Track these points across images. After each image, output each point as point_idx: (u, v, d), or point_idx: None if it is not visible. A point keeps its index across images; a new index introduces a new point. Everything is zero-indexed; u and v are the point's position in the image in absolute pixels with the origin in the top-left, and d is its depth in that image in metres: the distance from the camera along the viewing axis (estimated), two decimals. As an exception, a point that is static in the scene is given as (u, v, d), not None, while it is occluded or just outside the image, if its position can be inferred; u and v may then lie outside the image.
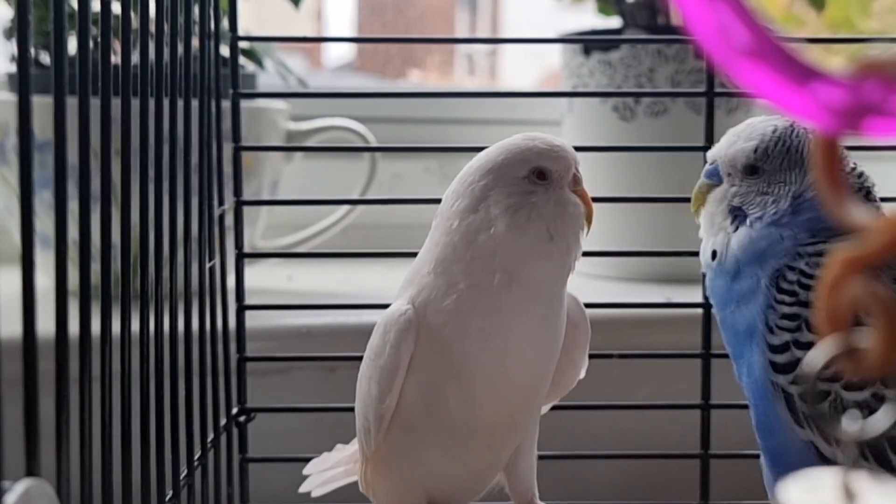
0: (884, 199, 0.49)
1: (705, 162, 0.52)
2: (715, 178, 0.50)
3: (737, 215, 0.49)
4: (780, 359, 0.45)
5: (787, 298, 0.46)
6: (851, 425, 0.23)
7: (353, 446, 0.55)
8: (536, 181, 0.45)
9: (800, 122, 0.48)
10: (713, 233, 0.50)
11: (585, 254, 0.47)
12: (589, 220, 0.47)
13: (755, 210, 0.49)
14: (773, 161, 0.48)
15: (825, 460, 0.44)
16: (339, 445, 0.58)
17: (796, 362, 0.45)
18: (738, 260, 0.48)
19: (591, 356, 0.51)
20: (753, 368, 0.47)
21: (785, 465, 0.46)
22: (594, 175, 0.49)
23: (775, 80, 0.20)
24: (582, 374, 0.51)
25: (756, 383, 0.47)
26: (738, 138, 0.49)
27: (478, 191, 0.46)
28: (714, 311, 0.51)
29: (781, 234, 0.47)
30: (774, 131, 0.49)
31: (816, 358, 0.22)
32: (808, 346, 0.44)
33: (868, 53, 0.20)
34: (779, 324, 0.46)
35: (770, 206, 0.48)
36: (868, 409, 0.43)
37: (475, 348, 0.45)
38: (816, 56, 0.21)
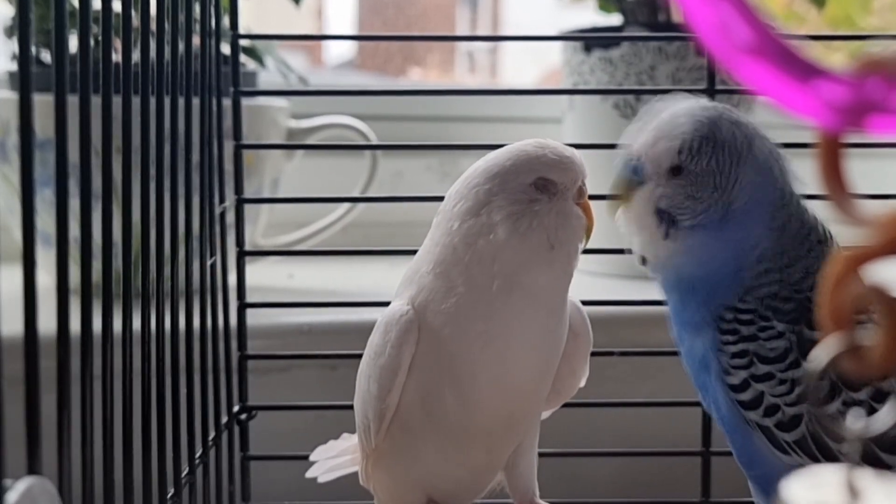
0: (884, 197, 0.49)
1: None
2: (640, 175, 0.46)
3: (663, 219, 0.46)
4: (745, 396, 0.44)
5: (730, 338, 0.44)
6: (855, 423, 0.23)
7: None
8: (541, 190, 0.45)
9: (727, 113, 0.46)
10: (640, 235, 0.47)
11: (587, 251, 0.47)
12: (589, 233, 0.47)
13: (685, 217, 0.45)
14: (699, 161, 0.44)
15: None
16: (345, 434, 0.58)
17: (761, 395, 0.44)
18: (676, 283, 0.47)
19: (592, 354, 0.51)
20: (720, 405, 0.46)
21: (776, 489, 0.46)
22: (595, 172, 0.49)
23: (777, 77, 0.20)
24: (582, 384, 0.51)
25: (725, 418, 0.46)
26: (661, 136, 0.45)
27: (481, 194, 0.45)
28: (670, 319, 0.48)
29: (709, 254, 0.45)
30: (698, 128, 0.44)
31: (820, 356, 0.22)
32: (766, 376, 0.44)
33: (869, 51, 0.20)
34: (731, 363, 0.44)
35: (699, 216, 0.45)
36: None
37: (474, 351, 0.45)
38: (817, 53, 0.21)
